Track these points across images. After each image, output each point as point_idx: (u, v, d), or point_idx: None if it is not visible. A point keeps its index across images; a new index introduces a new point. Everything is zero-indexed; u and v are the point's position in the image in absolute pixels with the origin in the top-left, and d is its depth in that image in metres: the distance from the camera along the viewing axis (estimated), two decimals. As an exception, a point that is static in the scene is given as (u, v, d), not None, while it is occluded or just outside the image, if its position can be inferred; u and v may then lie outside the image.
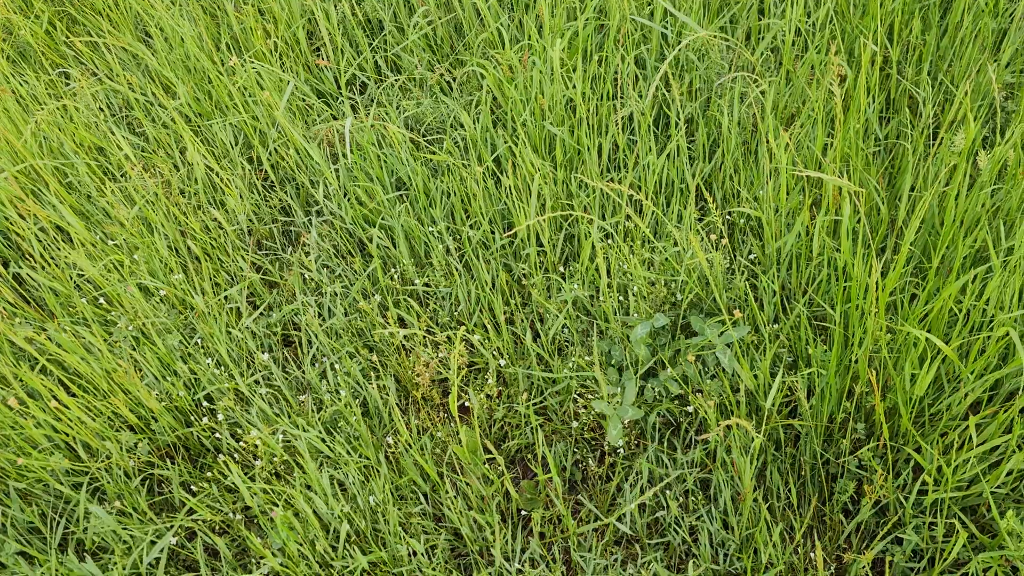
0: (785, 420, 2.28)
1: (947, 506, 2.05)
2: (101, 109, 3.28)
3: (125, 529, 2.21)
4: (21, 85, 3.20)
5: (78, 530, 2.26)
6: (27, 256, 2.83)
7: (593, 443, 2.44)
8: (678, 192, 2.74)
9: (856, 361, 2.19)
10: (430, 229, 2.77)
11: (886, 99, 2.97)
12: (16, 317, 2.68)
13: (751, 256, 2.63)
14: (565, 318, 2.52)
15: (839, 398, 2.24)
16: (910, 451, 2.07)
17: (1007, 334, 2.07)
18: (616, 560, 2.19)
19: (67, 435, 2.38)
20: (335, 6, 3.35)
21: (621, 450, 2.37)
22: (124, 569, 2.15)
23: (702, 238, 2.61)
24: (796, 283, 2.51)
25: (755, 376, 2.30)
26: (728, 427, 2.19)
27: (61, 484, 2.30)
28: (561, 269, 2.71)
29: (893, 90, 2.92)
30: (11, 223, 2.84)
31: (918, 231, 2.51)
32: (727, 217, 2.74)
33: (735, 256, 2.65)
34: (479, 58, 3.11)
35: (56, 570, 2.12)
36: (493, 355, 2.52)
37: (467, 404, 2.54)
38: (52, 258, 2.80)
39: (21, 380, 2.45)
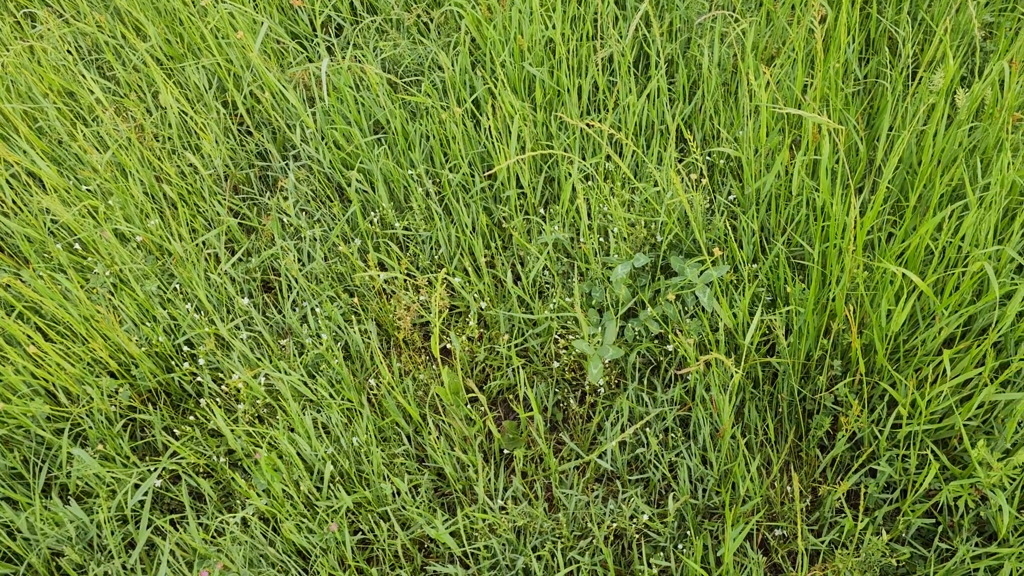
0: (763, 358, 2.31)
1: (920, 439, 2.10)
2: (69, 52, 3.20)
3: (109, 472, 2.21)
4: (-15, 27, 3.12)
5: (61, 475, 2.26)
6: (-1, 203, 2.78)
7: (574, 383, 2.47)
8: (658, 133, 2.73)
9: (833, 299, 2.21)
10: (409, 172, 2.75)
11: (866, 39, 2.96)
12: (-10, 264, 2.65)
13: (731, 197, 2.64)
14: (546, 260, 2.52)
15: (816, 336, 2.27)
16: (885, 386, 2.11)
17: (981, 269, 2.10)
18: (597, 496, 2.23)
19: (47, 381, 2.37)
20: (308, -55, 3.27)
21: (602, 389, 2.39)
22: (109, 511, 2.15)
23: (682, 178, 2.61)
24: (775, 223, 2.52)
25: (734, 315, 2.32)
26: (708, 363, 2.21)
27: (43, 430, 2.29)
28: (542, 211, 2.70)
29: (873, 30, 2.90)
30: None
31: (896, 170, 2.53)
32: (707, 158, 2.73)
33: (715, 196, 2.65)
34: (457, -2, 3.05)
35: (41, 514, 2.12)
36: (474, 298, 2.53)
37: (448, 347, 2.54)
38: (24, 204, 2.75)
39: (-2, 327, 2.42)
